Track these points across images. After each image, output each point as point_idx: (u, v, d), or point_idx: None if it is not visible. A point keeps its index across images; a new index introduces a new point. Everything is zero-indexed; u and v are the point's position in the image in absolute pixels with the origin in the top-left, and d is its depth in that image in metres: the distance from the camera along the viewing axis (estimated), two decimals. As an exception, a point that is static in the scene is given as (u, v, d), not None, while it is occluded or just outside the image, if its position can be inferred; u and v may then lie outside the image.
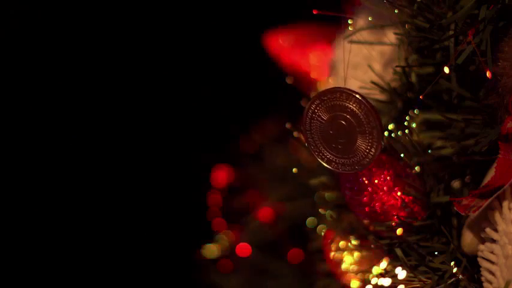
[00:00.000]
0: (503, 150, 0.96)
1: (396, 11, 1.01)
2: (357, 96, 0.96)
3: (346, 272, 1.16)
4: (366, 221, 1.08)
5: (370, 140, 0.97)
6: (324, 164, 1.00)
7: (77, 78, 1.93)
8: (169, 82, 1.94)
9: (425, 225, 1.05)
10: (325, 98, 0.98)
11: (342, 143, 0.99)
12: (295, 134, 1.18)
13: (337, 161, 1.00)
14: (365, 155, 0.98)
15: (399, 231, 1.04)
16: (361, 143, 0.98)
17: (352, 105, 0.97)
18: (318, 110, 0.99)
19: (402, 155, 1.06)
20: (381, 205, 1.05)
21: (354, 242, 1.11)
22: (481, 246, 0.99)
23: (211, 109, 1.93)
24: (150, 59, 1.93)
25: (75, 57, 1.92)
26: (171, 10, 1.92)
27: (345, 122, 0.98)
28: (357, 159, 0.98)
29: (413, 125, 1.07)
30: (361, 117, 0.97)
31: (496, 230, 0.97)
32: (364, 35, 1.11)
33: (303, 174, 1.30)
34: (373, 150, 0.97)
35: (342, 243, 1.14)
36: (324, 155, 1.00)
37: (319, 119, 0.99)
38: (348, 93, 0.97)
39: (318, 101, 0.98)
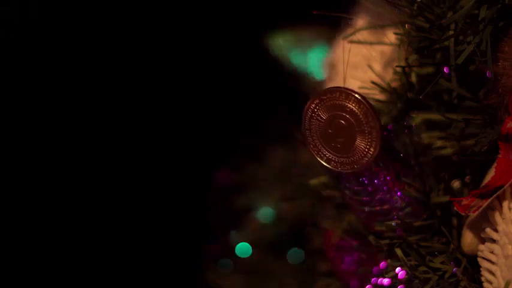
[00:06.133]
0: (503, 150, 0.96)
1: (396, 11, 1.01)
2: (356, 95, 0.97)
3: (346, 272, 1.16)
4: (365, 221, 1.08)
5: (369, 140, 0.97)
6: (323, 163, 1.01)
7: (77, 79, 1.93)
8: (169, 82, 1.94)
9: (425, 225, 1.05)
10: (325, 97, 0.98)
11: (341, 142, 0.99)
12: (295, 133, 1.18)
13: (336, 160, 1.00)
14: (364, 154, 0.98)
15: (399, 231, 1.04)
16: (360, 143, 0.98)
17: (351, 104, 0.97)
18: (318, 109, 0.99)
19: (402, 155, 1.06)
20: (381, 205, 1.05)
21: (354, 242, 1.11)
22: (481, 246, 0.99)
23: (211, 109, 1.93)
24: (150, 59, 1.93)
25: (76, 57, 1.92)
26: (171, 10, 1.92)
27: (344, 121, 0.98)
28: (355, 159, 0.99)
29: (413, 125, 1.08)
30: (360, 116, 0.97)
31: (496, 230, 0.97)
32: (364, 35, 1.11)
33: (303, 174, 1.30)
34: (372, 149, 0.98)
35: (341, 243, 1.14)
36: (323, 154, 1.00)
37: (318, 118, 0.99)
38: (347, 93, 0.97)
39: (317, 101, 0.99)
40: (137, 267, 1.91)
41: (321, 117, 0.99)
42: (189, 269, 1.63)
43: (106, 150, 1.94)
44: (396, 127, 1.08)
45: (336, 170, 1.00)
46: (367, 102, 0.97)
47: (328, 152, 1.00)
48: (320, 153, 1.00)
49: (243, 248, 1.58)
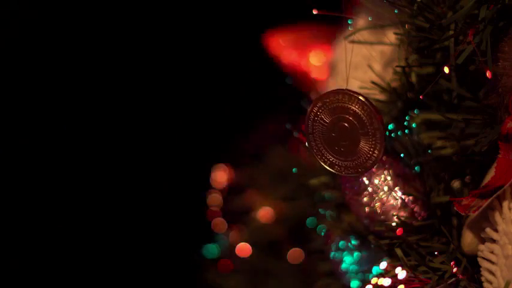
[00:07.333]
0: (503, 150, 0.96)
1: (396, 11, 1.01)
2: (360, 97, 0.96)
3: (346, 272, 1.16)
4: (365, 221, 1.08)
5: (373, 142, 0.97)
6: (327, 168, 1.00)
7: (77, 79, 1.93)
8: (169, 82, 1.94)
9: (425, 225, 1.05)
10: (328, 100, 0.97)
11: (345, 146, 0.98)
12: (296, 134, 1.18)
13: (340, 164, 0.99)
14: (368, 157, 0.97)
15: (399, 231, 1.04)
16: (364, 145, 0.97)
17: (354, 106, 0.96)
18: (321, 112, 0.98)
19: (402, 155, 1.06)
20: (381, 205, 1.05)
21: (354, 242, 1.11)
22: (481, 246, 0.99)
23: (211, 109, 1.93)
24: (151, 59, 1.93)
25: (76, 57, 1.92)
26: (171, 11, 1.92)
27: (348, 124, 0.97)
28: (360, 162, 0.98)
29: (413, 125, 1.08)
30: (363, 118, 0.96)
31: (496, 230, 0.97)
32: (364, 35, 1.11)
33: (303, 174, 1.30)
34: (376, 152, 0.97)
35: (342, 243, 1.14)
36: (326, 158, 0.99)
37: (321, 122, 0.98)
38: (350, 95, 0.96)
39: (320, 104, 0.98)
40: (137, 267, 1.91)
41: (324, 121, 0.98)
42: (189, 269, 1.63)
43: (106, 150, 1.94)
44: (396, 127, 1.08)
45: (340, 174, 1.00)
46: (371, 103, 0.96)
47: (332, 156, 0.99)
48: (323, 157, 1.00)
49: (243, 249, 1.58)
